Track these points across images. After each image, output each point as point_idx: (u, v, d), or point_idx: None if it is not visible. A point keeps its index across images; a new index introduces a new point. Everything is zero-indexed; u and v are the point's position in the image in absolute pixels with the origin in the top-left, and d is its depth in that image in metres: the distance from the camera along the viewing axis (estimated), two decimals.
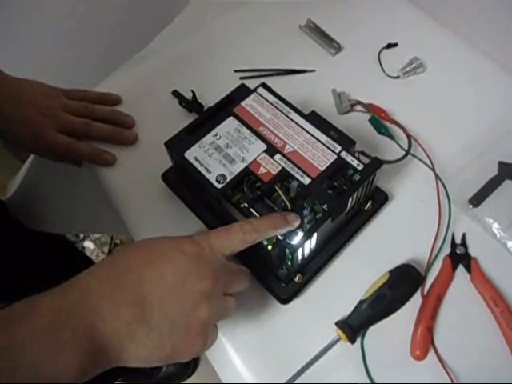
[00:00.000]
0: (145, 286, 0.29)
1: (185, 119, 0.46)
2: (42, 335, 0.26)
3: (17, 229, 0.66)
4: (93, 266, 0.31)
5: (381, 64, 0.55)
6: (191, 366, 1.11)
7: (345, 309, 0.39)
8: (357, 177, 0.37)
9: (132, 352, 0.29)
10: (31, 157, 0.62)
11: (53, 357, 0.26)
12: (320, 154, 0.38)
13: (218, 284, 0.31)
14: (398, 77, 0.54)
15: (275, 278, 0.40)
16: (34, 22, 0.71)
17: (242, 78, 0.54)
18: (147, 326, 0.29)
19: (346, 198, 0.36)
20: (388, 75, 0.54)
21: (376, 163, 0.38)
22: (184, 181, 0.45)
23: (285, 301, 0.40)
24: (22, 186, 0.66)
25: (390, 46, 0.56)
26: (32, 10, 0.70)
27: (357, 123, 0.50)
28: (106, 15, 0.85)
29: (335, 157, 0.38)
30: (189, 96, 0.52)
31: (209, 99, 0.51)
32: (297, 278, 0.40)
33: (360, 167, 0.37)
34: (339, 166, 0.38)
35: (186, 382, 1.09)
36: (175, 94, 0.54)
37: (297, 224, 0.35)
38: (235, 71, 0.55)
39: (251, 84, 0.45)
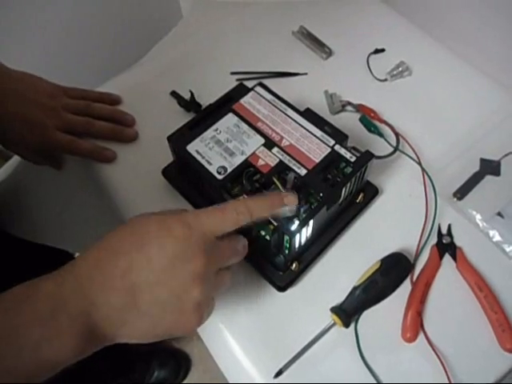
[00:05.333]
0: (133, 272, 0.30)
1: (183, 118, 0.48)
2: (43, 319, 0.28)
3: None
4: (86, 250, 0.31)
5: (369, 68, 0.58)
6: (182, 371, 1.10)
7: (339, 295, 0.41)
8: (349, 169, 0.40)
9: (124, 334, 0.30)
10: (16, 157, 0.60)
11: (52, 339, 0.28)
12: (315, 148, 0.41)
13: (208, 264, 0.31)
14: (385, 80, 0.57)
15: (273, 266, 0.42)
16: (40, 23, 0.73)
17: (238, 80, 0.56)
18: (138, 311, 0.30)
19: (340, 187, 0.39)
20: (376, 78, 0.57)
21: (367, 155, 0.40)
22: (184, 175, 0.46)
23: (282, 288, 0.42)
24: (5, 185, 0.62)
25: (377, 51, 0.59)
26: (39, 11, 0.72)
27: (348, 122, 0.53)
28: (105, 28, 0.88)
29: (329, 150, 0.41)
30: (187, 96, 0.55)
31: (206, 99, 0.53)
32: (293, 266, 0.42)
33: (353, 159, 0.40)
34: (333, 158, 0.40)
35: None
36: (174, 94, 0.56)
37: (295, 203, 0.36)
38: (232, 73, 0.57)
39: (247, 85, 0.47)
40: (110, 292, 0.29)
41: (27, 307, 0.28)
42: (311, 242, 0.42)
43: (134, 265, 0.30)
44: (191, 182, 0.46)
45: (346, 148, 0.41)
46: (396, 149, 0.50)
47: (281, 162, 0.40)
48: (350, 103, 0.54)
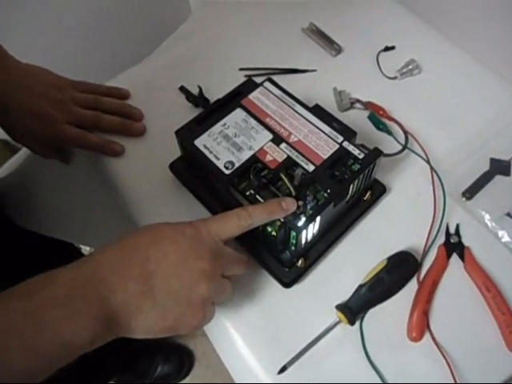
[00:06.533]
0: (150, 264, 0.32)
1: (191, 113, 0.48)
2: (61, 303, 0.29)
3: (7, 225, 0.65)
4: (104, 247, 0.33)
5: (379, 65, 0.57)
6: (186, 366, 1.10)
7: (345, 293, 0.41)
8: (357, 166, 0.40)
9: (138, 322, 0.32)
10: (24, 150, 0.61)
11: (70, 322, 0.29)
12: (323, 144, 0.41)
13: (215, 264, 0.34)
14: (395, 77, 0.56)
15: (278, 262, 0.42)
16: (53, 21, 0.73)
17: (246, 76, 0.56)
18: (152, 300, 0.32)
19: (347, 184, 0.38)
20: (386, 76, 0.56)
21: (376, 153, 0.40)
22: (192, 170, 0.46)
23: (287, 284, 0.41)
24: (13, 178, 0.63)
25: (387, 48, 0.59)
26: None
27: (356, 120, 0.52)
28: (115, 23, 0.88)
29: (337, 146, 0.40)
30: (195, 92, 0.55)
31: (215, 95, 0.52)
32: (299, 262, 0.42)
33: (361, 156, 0.40)
34: (341, 154, 0.40)
35: (181, 382, 1.09)
36: (182, 89, 0.56)
37: (293, 208, 0.37)
38: (240, 69, 0.57)
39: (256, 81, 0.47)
40: (128, 280, 0.31)
41: (45, 292, 0.29)
42: (318, 238, 0.42)
43: (151, 257, 0.33)
44: (198, 177, 0.46)
45: (354, 145, 0.41)
46: (405, 147, 0.50)
47: (288, 157, 0.40)
48: (358, 101, 0.54)
